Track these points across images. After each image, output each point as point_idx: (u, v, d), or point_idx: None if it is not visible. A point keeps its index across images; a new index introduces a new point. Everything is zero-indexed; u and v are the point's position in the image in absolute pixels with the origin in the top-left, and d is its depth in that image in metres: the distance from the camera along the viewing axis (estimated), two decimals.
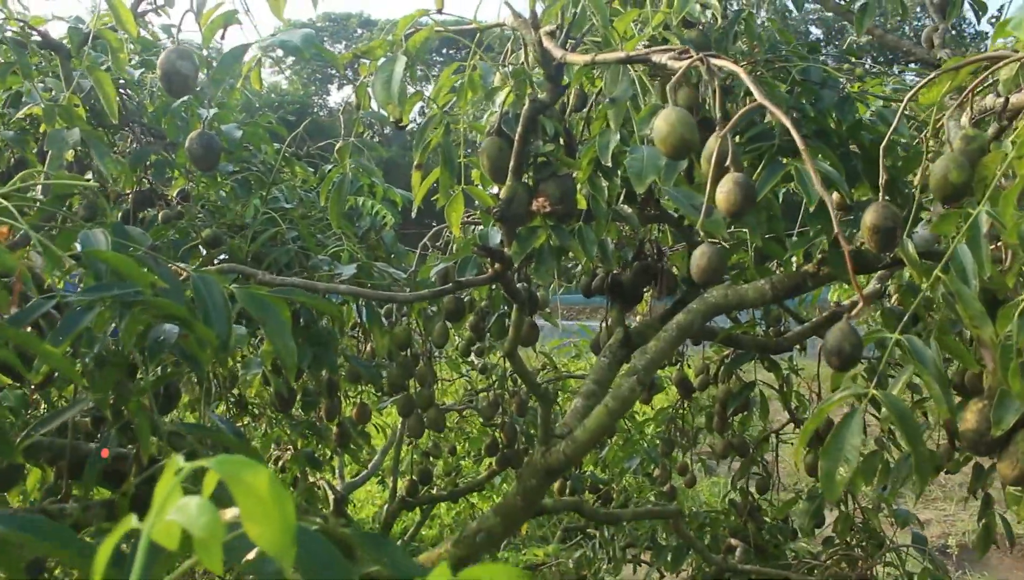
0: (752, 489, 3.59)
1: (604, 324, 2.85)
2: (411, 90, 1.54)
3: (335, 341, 2.37)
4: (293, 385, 2.62)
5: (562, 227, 1.59)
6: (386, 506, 3.54)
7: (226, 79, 1.67)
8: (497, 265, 1.62)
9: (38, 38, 1.70)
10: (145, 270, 1.20)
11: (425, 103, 1.60)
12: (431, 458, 4.03)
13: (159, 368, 1.72)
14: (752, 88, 0.99)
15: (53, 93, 1.70)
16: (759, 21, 2.35)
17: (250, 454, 1.41)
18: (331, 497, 3.98)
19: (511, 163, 1.52)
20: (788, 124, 0.96)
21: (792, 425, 3.37)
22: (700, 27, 2.02)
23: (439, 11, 1.47)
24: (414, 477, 3.32)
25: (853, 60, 2.34)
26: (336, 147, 1.86)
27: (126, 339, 1.30)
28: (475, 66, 1.58)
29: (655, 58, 1.17)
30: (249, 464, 0.59)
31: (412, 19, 1.46)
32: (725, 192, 1.04)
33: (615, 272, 2.79)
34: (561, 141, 1.63)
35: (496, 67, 1.64)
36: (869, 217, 1.42)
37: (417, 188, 1.63)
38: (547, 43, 1.35)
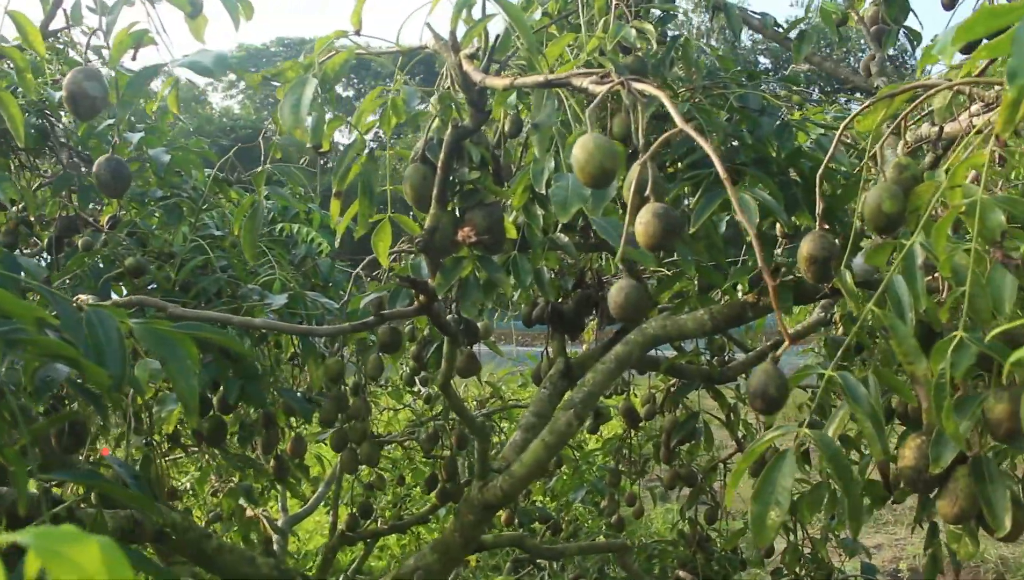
0: (701, 519, 3.55)
1: (545, 354, 2.79)
2: (330, 115, 1.48)
3: (265, 375, 2.28)
4: (224, 418, 2.52)
5: (490, 258, 1.53)
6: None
7: (135, 100, 1.58)
8: (422, 297, 1.55)
9: None
10: (32, 305, 1.11)
11: (348, 128, 1.53)
12: (375, 490, 3.92)
13: (62, 406, 1.63)
14: (673, 113, 0.94)
15: None
16: (706, 49, 2.33)
17: (143, 501, 1.32)
18: (271, 532, 3.86)
19: (434, 191, 1.46)
20: (711, 151, 0.91)
21: (739, 454, 3.34)
22: (636, 53, 1.98)
23: (357, 32, 1.41)
24: (354, 511, 3.22)
25: (795, 88, 2.33)
26: (252, 173, 1.78)
27: (22, 378, 1.21)
28: (399, 90, 1.52)
29: (576, 82, 1.12)
30: (76, 537, 0.52)
31: (329, 40, 1.40)
32: (643, 224, 0.98)
33: (556, 301, 2.74)
34: (490, 168, 1.57)
35: (419, 92, 1.58)
36: (805, 247, 1.39)
37: (335, 216, 1.56)
38: (466, 66, 1.29)
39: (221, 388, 2.28)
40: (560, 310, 2.73)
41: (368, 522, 3.27)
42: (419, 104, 1.56)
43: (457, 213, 1.51)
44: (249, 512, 4.05)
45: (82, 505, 1.53)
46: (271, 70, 1.45)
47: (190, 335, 1.26)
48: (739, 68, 2.21)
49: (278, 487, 3.48)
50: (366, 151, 1.50)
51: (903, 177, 1.24)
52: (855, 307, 1.37)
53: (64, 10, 1.69)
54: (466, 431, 2.82)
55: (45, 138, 2.40)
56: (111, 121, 2.41)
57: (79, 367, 1.11)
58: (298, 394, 2.34)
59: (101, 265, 2.16)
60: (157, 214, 2.57)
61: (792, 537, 3.19)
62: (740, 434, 3.29)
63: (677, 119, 0.94)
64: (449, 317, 1.83)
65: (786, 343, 1.00)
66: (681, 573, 3.32)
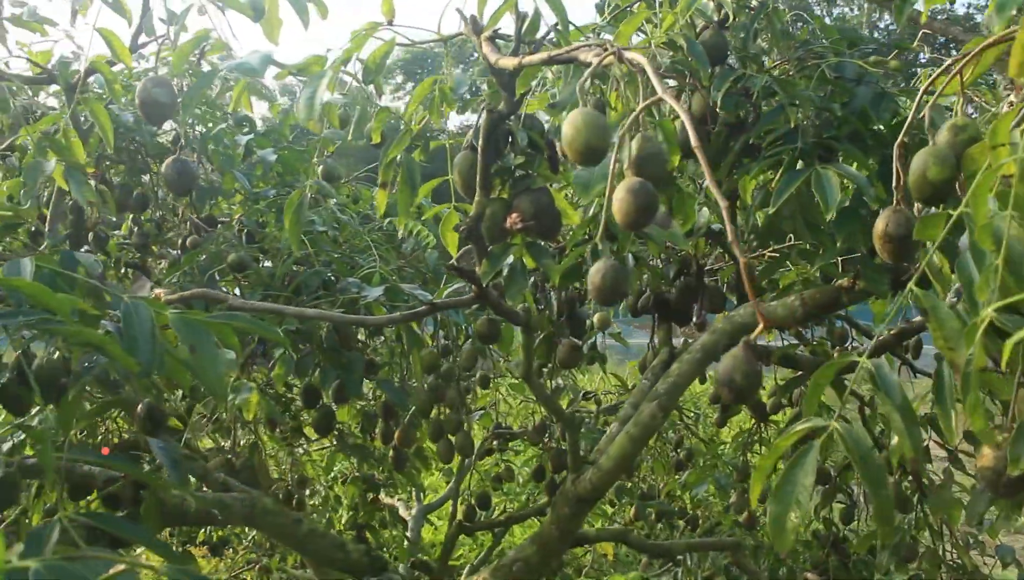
0: (836, 519, 3.34)
1: (650, 344, 2.71)
2: (379, 105, 1.49)
3: (377, 366, 2.34)
4: (333, 409, 2.62)
5: (538, 244, 1.49)
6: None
7: (196, 104, 1.66)
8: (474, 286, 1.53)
9: (43, 73, 1.75)
10: (68, 296, 1.18)
11: (398, 120, 1.54)
12: (503, 482, 3.95)
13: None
14: (654, 81, 0.88)
15: (56, 125, 1.75)
16: (808, 19, 2.17)
17: (171, 485, 1.37)
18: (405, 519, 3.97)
19: (478, 178, 1.44)
20: (687, 120, 0.83)
21: (877, 451, 3.10)
22: (716, 27, 1.88)
23: (390, 23, 1.41)
24: (472, 502, 3.26)
25: (901, 50, 2.12)
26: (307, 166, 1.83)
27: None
28: (446, 78, 1.51)
29: (581, 56, 1.07)
30: None
31: (363, 33, 1.41)
32: (618, 201, 0.92)
33: (661, 290, 2.65)
34: (545, 153, 1.54)
35: (474, 78, 1.56)
36: (879, 224, 1.27)
37: (381, 206, 1.57)
38: (486, 48, 1.27)
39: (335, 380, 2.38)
40: (665, 299, 2.64)
41: (484, 514, 3.30)
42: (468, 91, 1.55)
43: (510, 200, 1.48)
44: (387, 501, 4.20)
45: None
46: (297, 65, 1.49)
47: (229, 325, 1.31)
48: (840, 36, 2.05)
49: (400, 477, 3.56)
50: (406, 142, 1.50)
51: (958, 140, 1.10)
52: (940, 289, 1.24)
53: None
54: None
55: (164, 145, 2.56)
56: (223, 126, 2.55)
57: (108, 354, 1.18)
58: (396, 384, 2.38)
59: (205, 261, 2.29)
60: (272, 212, 2.69)
61: (934, 542, 2.93)
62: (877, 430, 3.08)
63: (657, 86, 0.88)
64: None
65: (760, 326, 0.91)
66: (809, 575, 3.13)
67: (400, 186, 1.53)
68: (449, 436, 2.44)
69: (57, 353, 1.28)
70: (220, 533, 4.77)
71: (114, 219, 3.04)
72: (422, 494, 4.33)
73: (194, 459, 1.93)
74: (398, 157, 1.51)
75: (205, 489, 1.92)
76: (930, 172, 1.08)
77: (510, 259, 1.46)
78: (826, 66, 1.92)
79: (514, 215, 1.46)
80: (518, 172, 1.53)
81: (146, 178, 2.63)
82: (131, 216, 2.77)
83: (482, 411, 3.38)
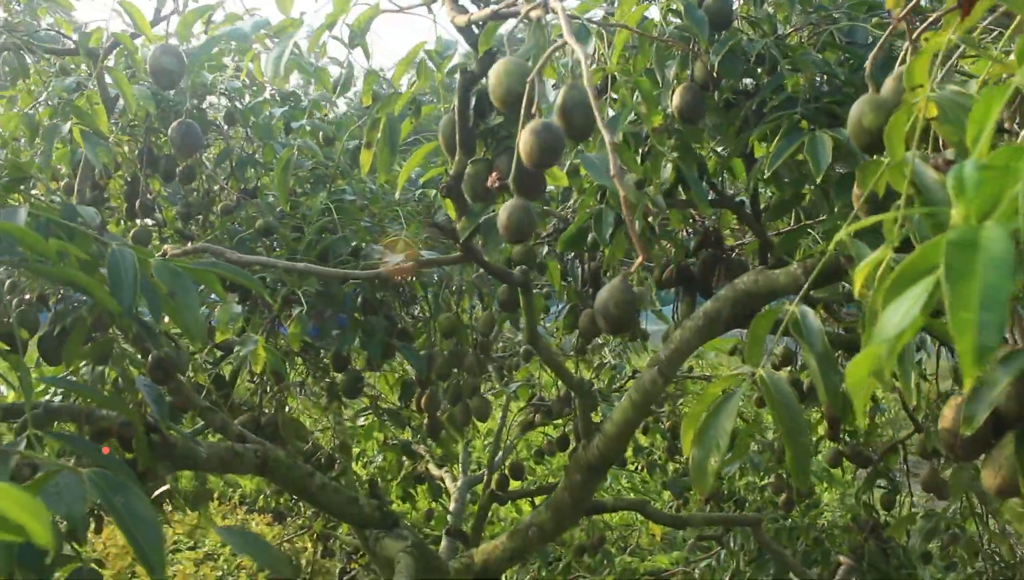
0: (877, 504, 3.26)
1: (674, 316, 2.71)
2: (365, 69, 1.54)
3: (409, 334, 2.41)
4: (361, 374, 2.71)
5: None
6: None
7: (198, 68, 1.74)
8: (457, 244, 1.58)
9: (71, 45, 1.87)
10: (58, 241, 1.28)
11: (383, 83, 1.59)
12: (544, 456, 3.99)
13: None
14: (563, 27, 0.90)
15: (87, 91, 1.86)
16: None
17: (128, 412, 1.46)
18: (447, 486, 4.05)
19: (457, 137, 1.48)
20: (585, 70, 0.86)
21: (918, 434, 3.03)
22: None
23: None
24: (506, 471, 3.31)
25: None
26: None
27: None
28: (435, 42, 1.56)
29: (522, 9, 1.09)
30: None
31: None
32: (523, 143, 0.94)
33: (685, 263, 2.65)
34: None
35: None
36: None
37: (365, 167, 1.63)
38: (448, 6, 1.30)
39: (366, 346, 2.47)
40: (688, 271, 2.63)
41: (520, 484, 3.35)
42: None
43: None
44: (435, 473, 4.29)
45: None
46: (274, 27, 1.55)
47: (211, 272, 1.39)
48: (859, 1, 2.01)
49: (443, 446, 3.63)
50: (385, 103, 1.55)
51: (902, 88, 1.08)
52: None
53: None
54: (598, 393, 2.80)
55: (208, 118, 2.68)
56: (260, 99, 2.65)
57: (92, 295, 1.27)
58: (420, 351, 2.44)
59: (238, 226, 2.39)
60: (309, 183, 2.79)
61: (973, 526, 2.85)
62: (920, 412, 3.00)
63: (565, 31, 0.90)
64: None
65: (639, 259, 0.92)
66: (841, 557, 3.08)
67: (380, 146, 1.59)
68: (465, 399, 2.50)
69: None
70: (282, 501, 4.96)
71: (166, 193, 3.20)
72: (467, 467, 4.41)
73: (214, 411, 2.03)
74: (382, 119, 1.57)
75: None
76: (865, 119, 1.07)
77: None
78: (836, 31, 1.89)
79: (494, 174, 1.49)
80: (502, 133, 1.56)
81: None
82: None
83: (519, 384, 3.42)
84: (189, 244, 2.19)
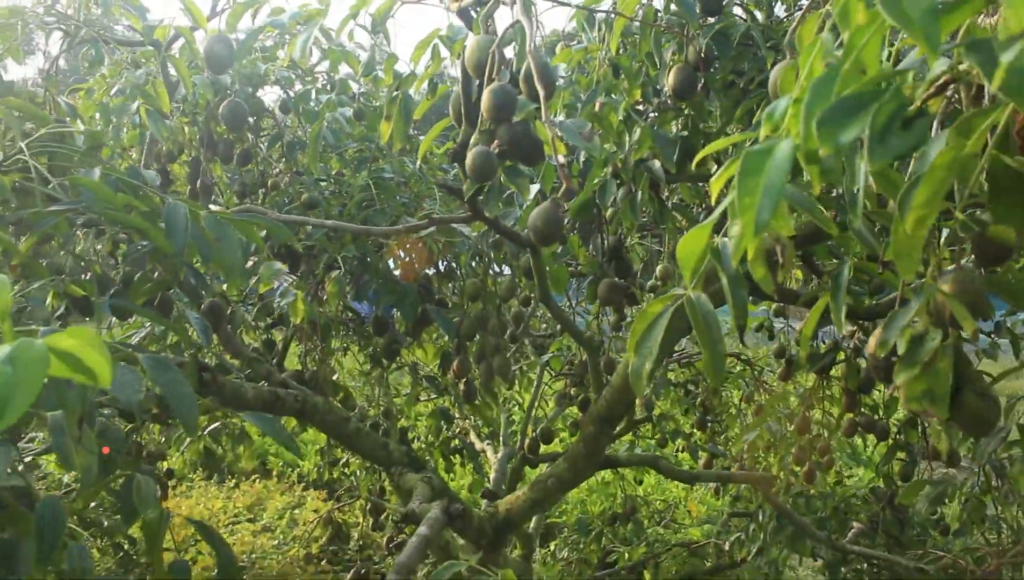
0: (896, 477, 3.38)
1: None
2: (387, 52, 1.77)
3: (413, 295, 2.64)
4: (396, 340, 2.95)
5: (515, 167, 1.74)
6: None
7: (245, 55, 1.98)
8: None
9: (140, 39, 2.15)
10: (125, 195, 1.54)
11: (410, 64, 1.81)
12: (578, 427, 4.19)
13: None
14: (518, 6, 1.11)
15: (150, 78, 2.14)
16: None
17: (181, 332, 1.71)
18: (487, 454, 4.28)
19: (462, 111, 1.70)
20: (529, 36, 1.07)
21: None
22: None
23: None
24: (536, 435, 3.52)
25: None
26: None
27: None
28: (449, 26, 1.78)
29: None
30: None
31: None
32: (483, 101, 1.15)
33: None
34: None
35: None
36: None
37: (385, 136, 1.86)
38: None
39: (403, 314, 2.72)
40: None
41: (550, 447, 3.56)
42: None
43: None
44: (478, 445, 4.53)
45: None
46: (303, 16, 1.79)
47: (249, 221, 1.64)
48: None
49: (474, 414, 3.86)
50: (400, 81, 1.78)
51: None
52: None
53: None
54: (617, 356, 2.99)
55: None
56: (308, 87, 2.92)
57: (150, 237, 1.53)
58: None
59: (288, 201, 2.66)
60: (354, 164, 3.05)
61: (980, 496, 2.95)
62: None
63: (519, 10, 1.11)
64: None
65: (564, 186, 1.13)
66: (856, 523, 3.21)
67: (395, 117, 1.81)
68: (488, 359, 2.72)
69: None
70: (335, 476, 5.26)
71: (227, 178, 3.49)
72: (508, 439, 4.63)
73: (260, 362, 2.30)
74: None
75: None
76: (778, 81, 1.25)
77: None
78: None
79: (495, 142, 1.71)
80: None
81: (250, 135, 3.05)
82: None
83: (552, 355, 3.63)
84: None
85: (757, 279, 1.14)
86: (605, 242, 2.90)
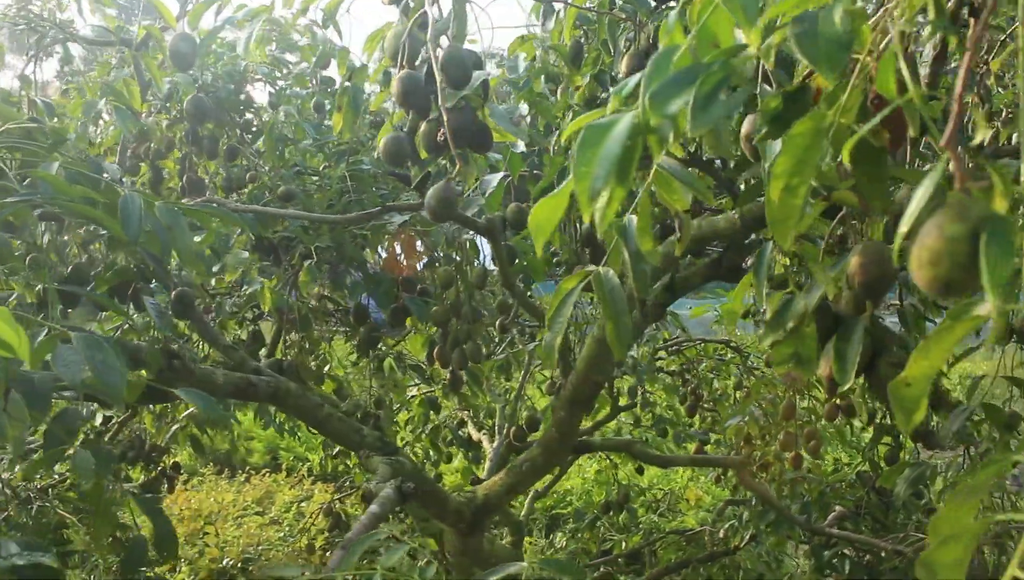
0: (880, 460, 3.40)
1: None
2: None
3: (387, 282, 2.70)
4: (378, 332, 3.02)
5: (462, 153, 1.79)
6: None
7: (205, 52, 2.04)
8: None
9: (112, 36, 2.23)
10: (82, 187, 1.61)
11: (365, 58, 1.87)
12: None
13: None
14: None
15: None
16: None
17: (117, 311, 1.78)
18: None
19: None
20: (430, 22, 1.12)
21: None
22: None
23: None
24: (522, 424, 3.57)
25: None
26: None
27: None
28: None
29: None
30: None
31: None
32: (392, 87, 1.21)
33: (664, 221, 2.86)
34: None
35: None
36: None
37: (336, 128, 1.92)
38: None
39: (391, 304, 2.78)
40: (669, 229, 2.85)
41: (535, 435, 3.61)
42: None
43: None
44: (475, 436, 4.59)
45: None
46: (250, 12, 1.84)
47: (202, 212, 1.71)
48: None
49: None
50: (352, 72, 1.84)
51: None
52: None
53: None
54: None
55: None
56: (289, 84, 2.99)
57: (106, 226, 1.60)
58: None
59: (267, 194, 2.73)
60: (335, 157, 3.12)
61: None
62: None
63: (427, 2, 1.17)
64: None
65: (458, 167, 1.18)
66: (839, 507, 3.23)
67: (345, 109, 1.87)
68: (462, 346, 2.77)
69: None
70: (340, 469, 5.34)
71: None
72: (503, 430, 4.69)
73: (235, 349, 2.37)
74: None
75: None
76: None
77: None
78: None
79: (441, 130, 1.77)
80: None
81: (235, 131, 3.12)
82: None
83: (538, 342, 3.68)
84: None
85: (644, 252, 1.19)
86: (578, 229, 2.94)
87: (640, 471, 5.53)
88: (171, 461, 4.03)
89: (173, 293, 2.05)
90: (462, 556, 3.03)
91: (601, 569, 4.22)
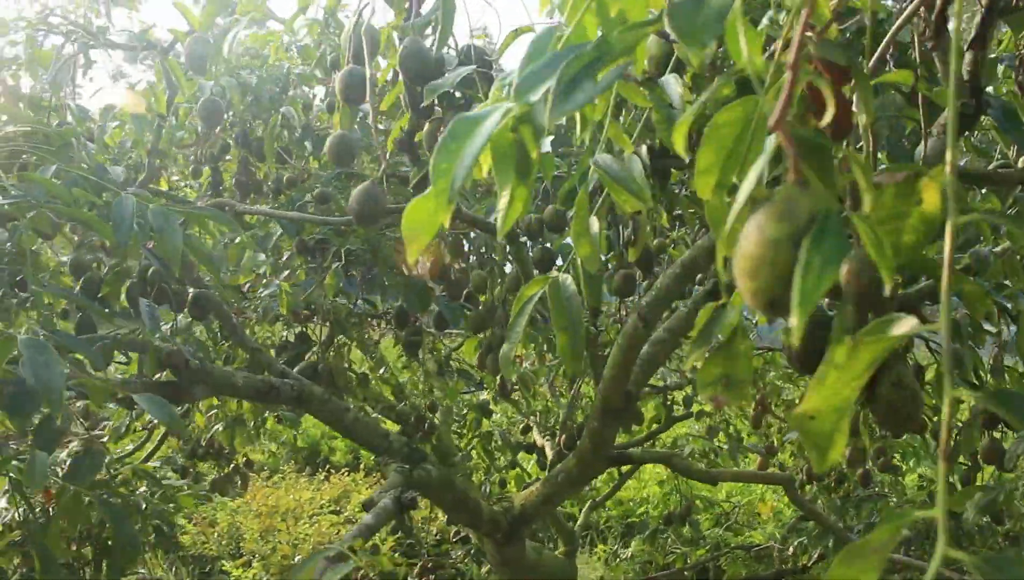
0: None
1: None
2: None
3: (422, 286, 2.67)
4: (422, 335, 2.98)
5: None
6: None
7: (218, 55, 2.03)
8: None
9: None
10: (81, 190, 1.63)
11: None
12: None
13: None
14: None
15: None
16: None
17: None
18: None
19: (407, 100, 1.71)
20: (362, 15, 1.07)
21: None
22: None
23: None
24: (574, 432, 3.48)
25: None
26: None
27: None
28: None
29: None
30: None
31: None
32: (335, 83, 1.15)
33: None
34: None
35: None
36: None
37: (337, 124, 1.88)
38: None
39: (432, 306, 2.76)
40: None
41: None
42: None
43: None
44: (539, 441, 4.52)
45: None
46: (240, 10, 1.82)
47: (199, 215, 1.70)
48: None
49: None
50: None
51: None
52: None
53: None
54: None
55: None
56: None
57: (96, 229, 1.61)
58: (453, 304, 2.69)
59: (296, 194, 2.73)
60: None
61: None
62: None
63: None
64: None
65: (383, 166, 1.10)
66: (903, 530, 3.01)
67: (342, 108, 1.83)
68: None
69: None
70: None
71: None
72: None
73: (261, 351, 2.37)
74: None
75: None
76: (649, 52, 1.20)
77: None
78: None
79: (441, 128, 1.71)
80: (455, 94, 1.77)
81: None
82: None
83: None
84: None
85: (582, 257, 1.10)
86: (621, 233, 2.84)
87: (714, 482, 5.36)
88: (243, 459, 4.10)
89: (190, 295, 2.06)
90: (502, 567, 2.97)
91: None
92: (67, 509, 1.30)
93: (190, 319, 2.65)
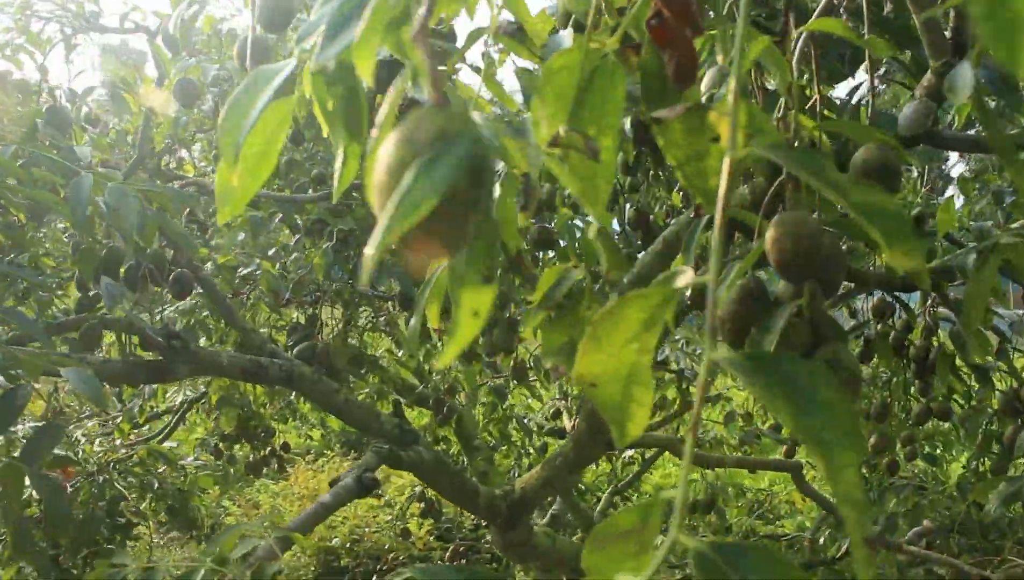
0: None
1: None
2: None
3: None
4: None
5: None
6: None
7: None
8: None
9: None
10: (40, 170, 1.65)
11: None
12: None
13: None
14: None
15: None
16: None
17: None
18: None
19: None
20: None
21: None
22: None
23: None
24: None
25: None
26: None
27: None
28: None
29: None
30: None
31: None
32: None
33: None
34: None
35: None
36: None
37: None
38: None
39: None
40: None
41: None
42: None
43: None
44: (568, 426, 4.48)
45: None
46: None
47: (144, 190, 1.71)
48: None
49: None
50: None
51: None
52: None
53: None
54: None
55: None
56: None
57: (56, 209, 1.63)
58: None
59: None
60: None
61: None
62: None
63: None
64: None
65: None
66: (926, 522, 2.88)
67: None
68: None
69: None
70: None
71: None
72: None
73: (254, 332, 2.39)
74: None
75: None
76: None
77: None
78: None
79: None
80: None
81: None
82: None
83: None
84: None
85: (502, 221, 1.06)
86: (625, 212, 2.78)
87: (752, 471, 5.24)
88: (280, 441, 4.15)
89: (171, 275, 2.08)
90: (506, 551, 2.94)
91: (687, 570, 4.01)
92: (5, 483, 1.31)
93: (195, 301, 2.69)
